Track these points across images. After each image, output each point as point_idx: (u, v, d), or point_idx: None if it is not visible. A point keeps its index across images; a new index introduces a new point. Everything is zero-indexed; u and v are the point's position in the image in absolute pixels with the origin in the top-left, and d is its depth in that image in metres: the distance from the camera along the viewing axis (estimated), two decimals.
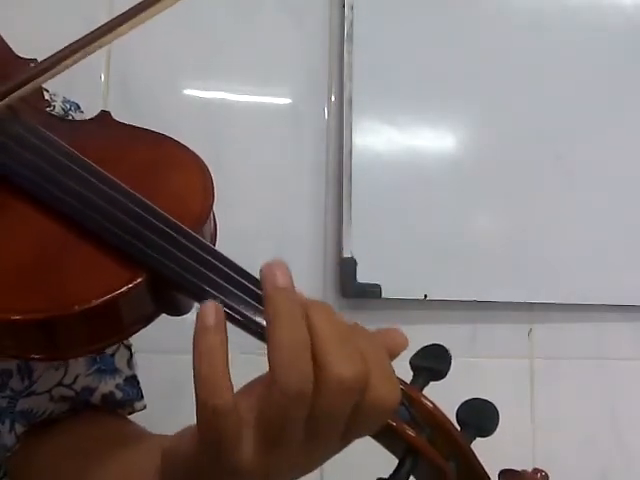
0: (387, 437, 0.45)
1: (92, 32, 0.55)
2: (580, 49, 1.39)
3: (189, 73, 1.26)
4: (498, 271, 1.30)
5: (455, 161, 1.33)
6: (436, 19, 1.34)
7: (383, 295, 1.22)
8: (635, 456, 1.35)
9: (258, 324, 0.43)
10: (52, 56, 0.55)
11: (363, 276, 1.22)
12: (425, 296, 1.25)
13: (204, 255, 0.46)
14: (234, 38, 1.27)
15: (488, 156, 1.34)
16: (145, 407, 0.69)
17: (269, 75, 1.29)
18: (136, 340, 0.69)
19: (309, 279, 1.22)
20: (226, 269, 0.45)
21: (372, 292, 1.21)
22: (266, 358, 0.39)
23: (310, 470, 0.42)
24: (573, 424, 1.31)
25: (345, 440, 0.41)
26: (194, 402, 0.45)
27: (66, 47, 0.55)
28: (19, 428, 0.62)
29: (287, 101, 1.30)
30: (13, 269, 0.48)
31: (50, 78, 0.55)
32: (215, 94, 1.27)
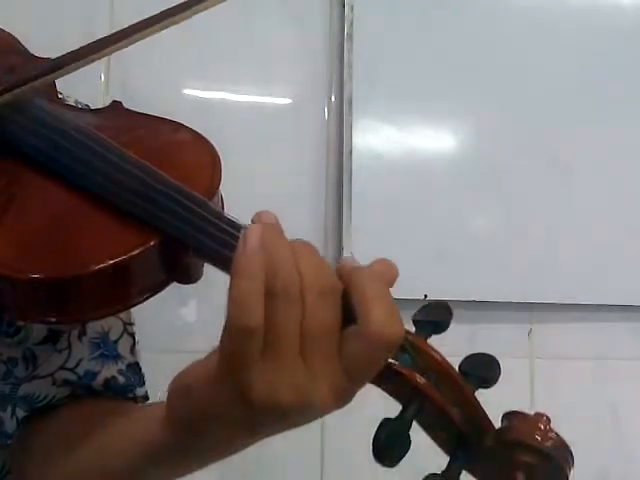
0: (391, 382, 0.46)
1: (111, 35, 0.57)
2: (580, 49, 1.39)
3: (189, 73, 1.26)
4: (498, 271, 1.30)
5: (455, 161, 1.33)
6: (436, 19, 1.34)
7: None
8: (635, 456, 1.36)
9: None
10: (67, 55, 0.56)
11: None
12: (425, 296, 1.25)
13: (213, 218, 0.48)
14: (234, 38, 1.27)
15: (488, 156, 1.34)
16: (147, 395, 0.69)
17: (269, 75, 1.29)
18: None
19: None
20: (234, 231, 0.47)
21: None
22: None
23: (316, 407, 0.41)
24: (573, 424, 1.31)
25: (349, 374, 0.41)
26: None
27: (82, 47, 0.56)
28: (20, 413, 0.63)
29: (287, 101, 1.30)
30: (32, 232, 0.51)
31: (61, 75, 0.57)
32: (215, 94, 1.27)
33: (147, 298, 0.50)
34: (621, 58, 1.41)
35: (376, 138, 1.28)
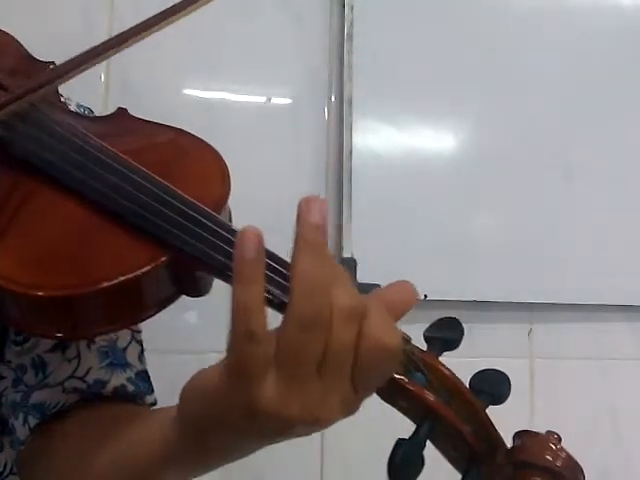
0: (405, 401, 0.46)
1: (111, 39, 0.57)
2: (580, 49, 1.39)
3: (189, 73, 1.26)
4: (498, 271, 1.30)
5: (455, 161, 1.33)
6: (436, 19, 1.34)
7: None
8: (635, 456, 1.35)
9: (274, 294, 0.44)
10: (71, 60, 0.57)
11: (363, 276, 1.21)
12: (425, 296, 1.25)
13: (223, 232, 0.48)
14: (234, 38, 1.27)
15: (488, 156, 1.34)
16: (156, 402, 0.69)
17: (269, 75, 1.29)
18: None
19: None
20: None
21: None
22: None
23: (324, 421, 0.42)
24: (573, 424, 1.31)
25: (356, 386, 0.42)
26: None
27: (86, 51, 0.57)
28: (32, 421, 0.63)
29: (287, 101, 1.30)
30: (44, 248, 0.50)
31: (66, 80, 0.57)
32: (215, 94, 1.27)
33: (156, 312, 0.50)
34: (621, 58, 1.41)
35: (376, 138, 1.28)
